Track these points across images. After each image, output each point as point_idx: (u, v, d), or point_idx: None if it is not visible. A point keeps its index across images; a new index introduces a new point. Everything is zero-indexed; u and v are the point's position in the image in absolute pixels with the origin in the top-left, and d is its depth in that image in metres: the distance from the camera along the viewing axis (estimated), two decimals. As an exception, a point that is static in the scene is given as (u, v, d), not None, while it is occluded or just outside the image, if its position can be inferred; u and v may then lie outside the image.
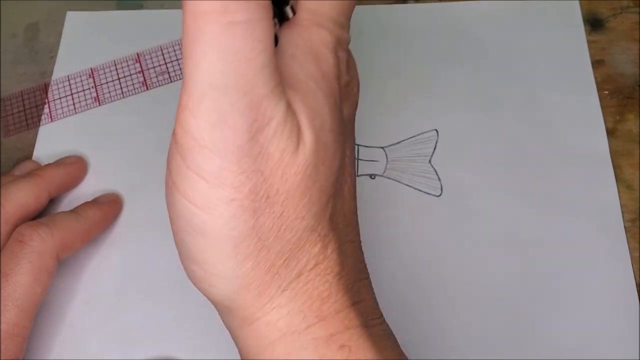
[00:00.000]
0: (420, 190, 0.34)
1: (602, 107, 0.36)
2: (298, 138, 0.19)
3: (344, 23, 0.22)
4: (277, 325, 0.21)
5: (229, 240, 0.19)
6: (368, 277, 0.24)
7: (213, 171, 0.19)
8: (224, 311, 0.22)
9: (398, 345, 0.24)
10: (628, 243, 0.32)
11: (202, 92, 0.18)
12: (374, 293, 0.24)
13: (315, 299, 0.21)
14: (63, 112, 0.38)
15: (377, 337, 0.22)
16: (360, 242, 0.25)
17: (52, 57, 0.40)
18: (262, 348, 0.21)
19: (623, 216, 0.33)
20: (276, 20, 0.22)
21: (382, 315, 0.24)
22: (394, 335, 0.24)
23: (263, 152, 0.19)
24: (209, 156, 0.18)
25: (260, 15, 0.18)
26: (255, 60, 0.18)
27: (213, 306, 0.32)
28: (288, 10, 0.22)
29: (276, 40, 0.21)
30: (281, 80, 0.19)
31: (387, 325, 0.24)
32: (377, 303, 0.24)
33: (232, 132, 0.18)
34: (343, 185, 0.23)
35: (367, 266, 0.32)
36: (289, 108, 0.19)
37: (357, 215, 0.25)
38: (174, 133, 0.20)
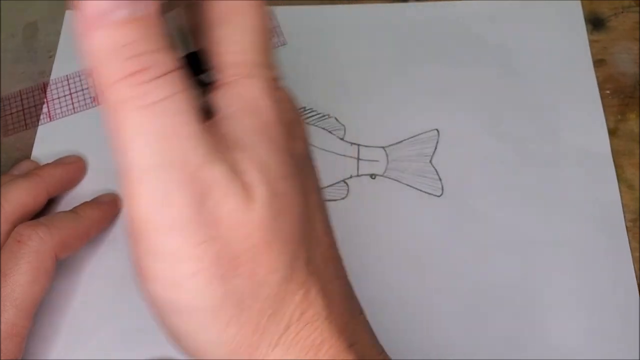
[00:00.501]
0: (421, 190, 0.34)
1: (604, 107, 0.35)
2: (247, 196, 0.19)
3: (270, 62, 0.22)
4: None
5: (205, 313, 0.19)
6: (362, 313, 0.24)
7: (170, 250, 0.19)
8: None
9: None
10: (629, 243, 0.32)
11: (138, 177, 0.18)
12: (371, 329, 0.24)
13: (309, 349, 0.20)
14: (62, 112, 0.38)
15: None
16: (347, 277, 0.24)
17: (51, 57, 0.40)
18: None
19: (624, 216, 0.33)
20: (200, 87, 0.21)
21: (383, 350, 0.23)
22: None
23: (214, 218, 0.19)
24: (162, 237, 0.18)
25: (175, 90, 0.18)
26: (181, 133, 0.18)
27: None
28: (205, 78, 0.21)
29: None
30: (217, 144, 0.19)
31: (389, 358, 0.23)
32: (375, 338, 0.23)
33: (178, 208, 0.18)
34: (314, 225, 0.22)
35: (367, 266, 0.32)
36: (232, 169, 0.19)
37: (337, 249, 0.24)
38: (127, 222, 0.19)
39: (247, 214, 0.19)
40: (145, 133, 0.18)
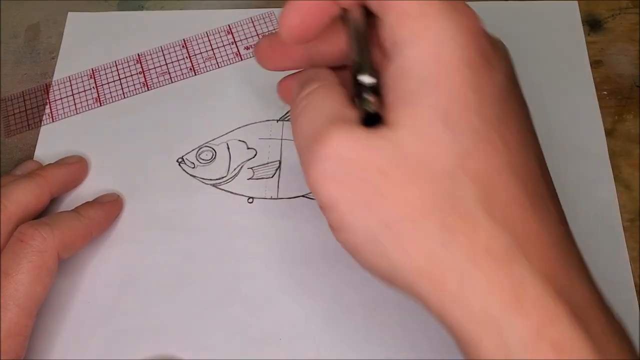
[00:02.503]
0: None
1: (601, 108, 0.36)
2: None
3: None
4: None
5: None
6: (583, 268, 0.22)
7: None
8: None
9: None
10: (627, 243, 0.32)
11: None
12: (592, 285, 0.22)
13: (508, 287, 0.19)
14: (64, 113, 0.39)
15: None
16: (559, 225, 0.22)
17: (53, 58, 0.41)
18: None
19: (622, 216, 0.33)
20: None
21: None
22: None
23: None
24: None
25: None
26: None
27: (212, 306, 0.32)
28: (364, 78, 0.21)
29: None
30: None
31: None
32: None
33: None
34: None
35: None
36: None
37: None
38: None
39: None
40: None
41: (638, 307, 0.31)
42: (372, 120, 0.20)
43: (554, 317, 0.19)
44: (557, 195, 0.23)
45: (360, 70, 0.21)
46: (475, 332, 0.19)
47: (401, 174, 0.20)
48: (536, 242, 0.20)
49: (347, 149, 0.20)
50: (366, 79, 0.21)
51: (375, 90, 0.21)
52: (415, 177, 0.20)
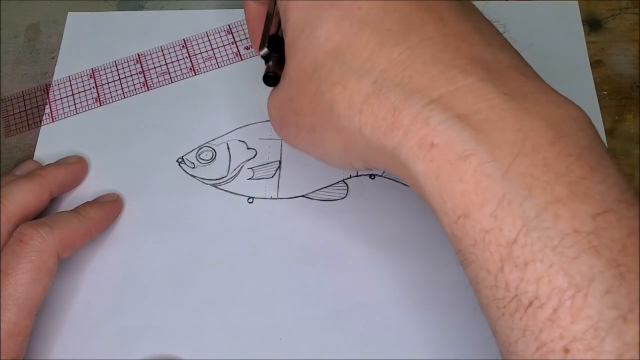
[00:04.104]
0: (420, 190, 0.34)
1: (601, 108, 0.36)
2: None
3: None
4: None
5: None
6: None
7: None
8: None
9: None
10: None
11: None
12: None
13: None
14: (64, 113, 0.39)
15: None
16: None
17: (53, 58, 0.41)
18: None
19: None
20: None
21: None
22: None
23: None
24: None
25: None
26: None
27: (212, 306, 0.32)
28: (261, 52, 0.29)
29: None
30: None
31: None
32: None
33: None
34: None
35: (366, 265, 0.32)
36: None
37: None
38: None
39: None
40: None
41: None
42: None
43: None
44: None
45: (261, 46, 0.29)
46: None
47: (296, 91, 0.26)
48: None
49: (271, 101, 0.29)
50: (262, 53, 0.28)
51: (268, 57, 0.29)
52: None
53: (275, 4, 0.29)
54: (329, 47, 0.23)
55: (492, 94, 0.20)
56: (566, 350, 0.17)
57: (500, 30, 0.25)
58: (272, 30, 0.29)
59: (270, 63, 0.28)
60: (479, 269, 0.20)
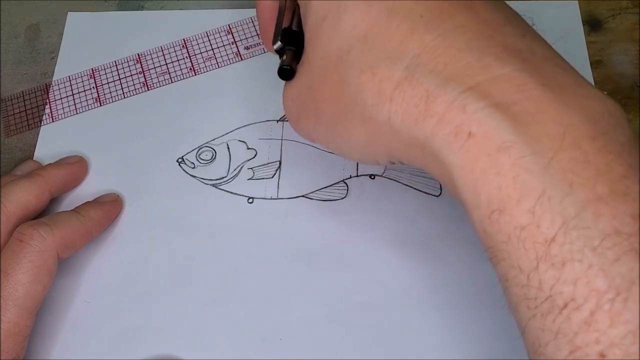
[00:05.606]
0: (420, 190, 0.34)
1: (601, 108, 0.36)
2: None
3: None
4: None
5: None
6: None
7: None
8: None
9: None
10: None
11: None
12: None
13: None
14: (64, 113, 0.39)
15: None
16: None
17: (53, 58, 0.41)
18: None
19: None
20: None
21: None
22: None
23: None
24: None
25: None
26: None
27: (212, 306, 0.32)
28: (275, 46, 0.28)
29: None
30: None
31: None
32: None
33: None
34: None
35: (366, 265, 0.32)
36: None
37: None
38: None
39: None
40: None
41: None
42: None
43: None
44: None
45: (274, 40, 0.28)
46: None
47: (318, 81, 0.25)
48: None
49: (288, 92, 0.28)
50: (275, 47, 0.28)
51: (282, 51, 0.28)
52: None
53: None
54: (356, 33, 0.23)
55: (530, 85, 0.20)
56: (602, 356, 0.17)
57: None
58: (285, 24, 0.28)
59: (285, 57, 0.28)
60: (510, 267, 0.19)
